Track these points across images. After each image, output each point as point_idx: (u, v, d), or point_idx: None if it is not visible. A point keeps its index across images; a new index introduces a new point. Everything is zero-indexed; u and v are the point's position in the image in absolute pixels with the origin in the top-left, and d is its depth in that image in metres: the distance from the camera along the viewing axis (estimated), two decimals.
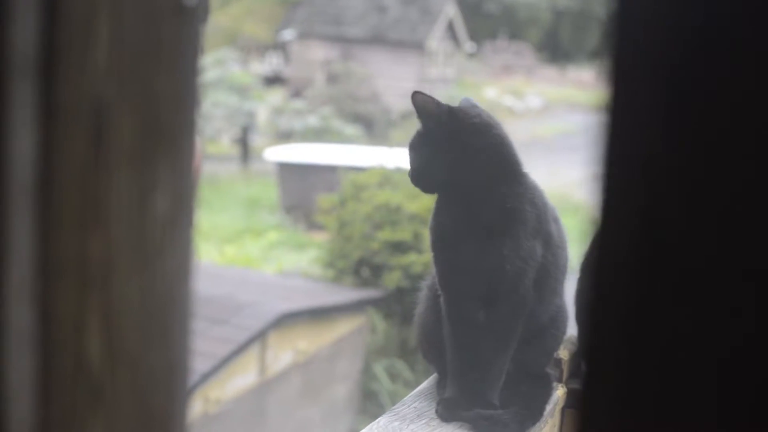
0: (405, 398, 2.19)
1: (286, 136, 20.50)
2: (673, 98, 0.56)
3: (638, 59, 0.57)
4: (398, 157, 12.01)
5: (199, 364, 6.84)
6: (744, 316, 0.57)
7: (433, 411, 2.09)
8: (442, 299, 2.11)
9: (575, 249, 2.56)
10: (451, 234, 2.05)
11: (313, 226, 13.98)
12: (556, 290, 2.15)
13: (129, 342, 0.83)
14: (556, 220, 2.12)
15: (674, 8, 0.56)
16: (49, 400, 0.80)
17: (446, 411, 2.07)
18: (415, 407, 2.13)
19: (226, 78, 20.31)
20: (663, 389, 0.61)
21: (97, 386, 0.82)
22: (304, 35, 27.60)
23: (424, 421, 2.06)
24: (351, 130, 20.45)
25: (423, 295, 2.27)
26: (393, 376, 9.32)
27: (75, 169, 0.78)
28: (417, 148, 2.10)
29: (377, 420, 2.05)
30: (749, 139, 0.56)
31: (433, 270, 2.14)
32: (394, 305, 9.47)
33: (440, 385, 2.19)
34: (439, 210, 2.09)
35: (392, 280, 9.46)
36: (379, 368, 9.32)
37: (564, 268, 2.16)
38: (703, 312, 0.59)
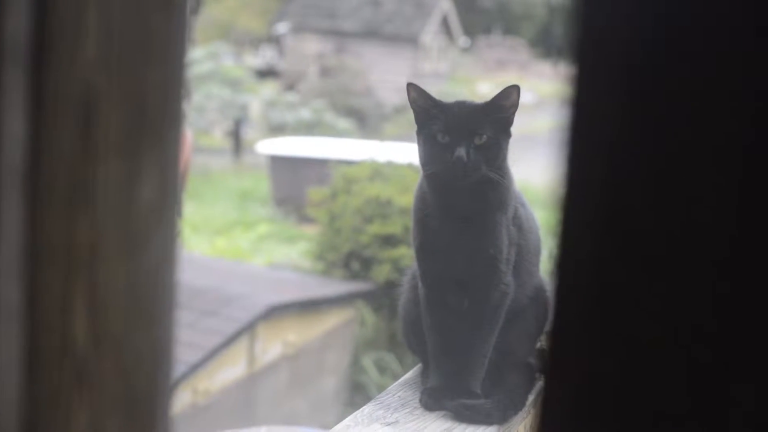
0: (389, 387, 2.21)
1: (278, 129, 20.47)
2: (634, 91, 0.59)
3: (600, 53, 0.60)
4: (389, 151, 12.00)
5: (187, 356, 6.85)
6: (705, 303, 0.60)
7: (417, 400, 2.12)
8: (422, 290, 2.14)
9: None
10: (438, 223, 2.07)
11: (303, 219, 13.98)
12: (531, 271, 2.20)
13: (114, 324, 0.86)
14: (524, 204, 2.17)
15: (636, 5, 0.58)
16: (35, 379, 0.82)
17: (430, 400, 2.09)
18: (399, 396, 2.15)
19: (220, 71, 20.27)
20: (624, 374, 0.63)
21: (83, 367, 0.84)
22: (298, 28, 27.56)
23: (408, 410, 2.08)
24: (344, 123, 20.41)
25: (405, 288, 2.30)
26: (381, 369, 9.34)
27: (63, 156, 0.81)
28: None
29: (362, 408, 2.07)
30: (707, 131, 0.59)
31: (414, 260, 2.17)
32: (384, 298, 9.47)
33: (424, 374, 2.22)
34: (425, 199, 2.11)
35: (382, 273, 9.47)
36: (367, 361, 9.33)
37: (537, 250, 2.21)
38: (665, 303, 0.61)
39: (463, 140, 2.02)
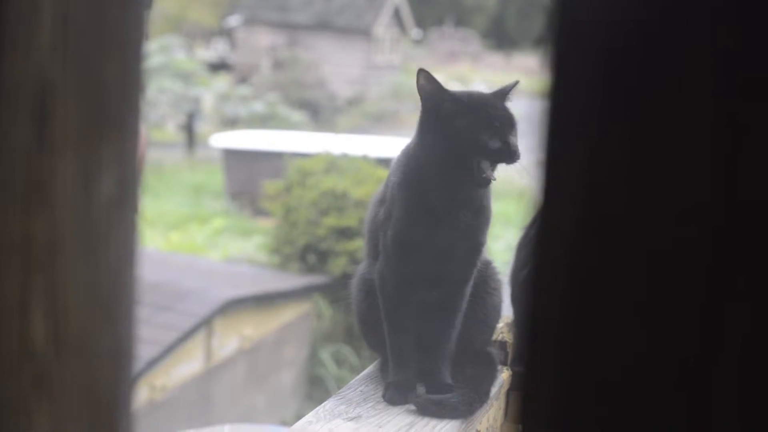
0: (351, 382, 2.19)
1: (231, 123, 20.40)
2: (612, 81, 0.57)
3: (579, 45, 0.58)
4: (344, 143, 12.00)
5: (144, 351, 6.79)
6: (691, 299, 0.59)
7: (380, 395, 2.10)
8: (390, 289, 2.08)
9: (517, 233, 2.59)
10: (434, 219, 2.00)
11: (258, 212, 13.94)
12: None
13: (74, 326, 0.83)
14: None
15: None
16: None
17: (395, 394, 2.06)
18: (361, 391, 2.14)
19: (171, 64, 20.14)
20: (604, 369, 0.62)
21: (42, 370, 0.81)
22: (249, 21, 27.47)
23: (370, 405, 2.06)
24: (297, 116, 20.37)
25: (356, 288, 2.26)
26: (339, 362, 9.33)
27: (19, 150, 0.78)
28: None
29: (323, 404, 2.05)
30: (686, 118, 0.57)
31: (387, 259, 2.09)
32: (340, 291, 9.46)
33: (383, 369, 2.19)
34: (423, 195, 2.03)
35: (338, 266, 9.47)
36: (325, 354, 9.32)
37: None
38: (644, 290, 0.60)
39: (513, 134, 2.03)
